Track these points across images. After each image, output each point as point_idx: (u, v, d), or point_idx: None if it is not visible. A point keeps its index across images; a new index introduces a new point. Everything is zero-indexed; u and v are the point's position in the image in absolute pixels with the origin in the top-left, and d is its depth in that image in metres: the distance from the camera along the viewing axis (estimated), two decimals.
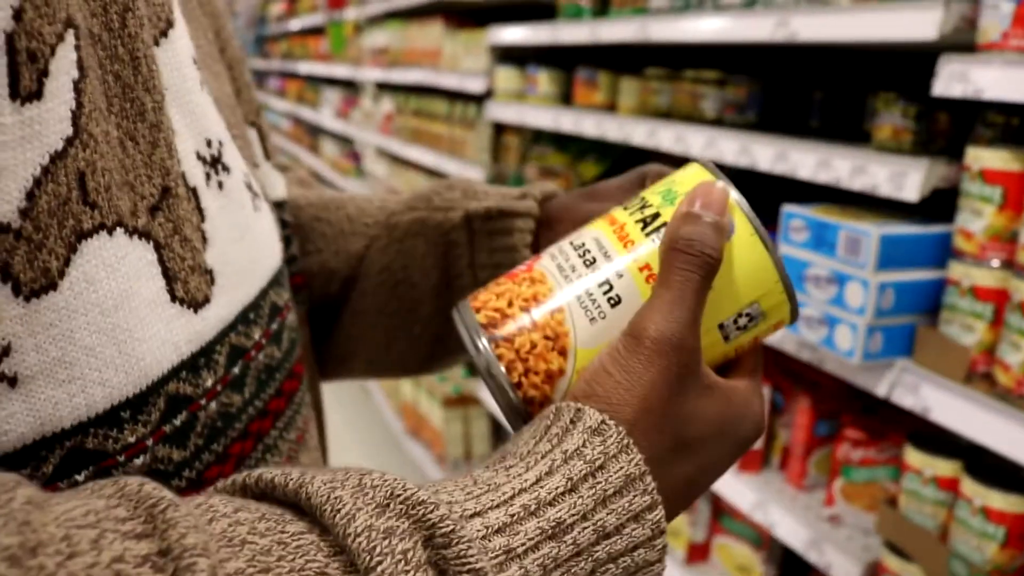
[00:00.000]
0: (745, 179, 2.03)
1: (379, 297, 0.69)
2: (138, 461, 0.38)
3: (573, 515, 0.38)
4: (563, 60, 2.49)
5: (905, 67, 1.64)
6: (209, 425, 0.43)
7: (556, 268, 0.48)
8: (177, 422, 0.40)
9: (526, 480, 0.38)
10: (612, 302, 0.45)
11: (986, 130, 1.27)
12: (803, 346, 1.42)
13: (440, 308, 0.66)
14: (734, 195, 0.47)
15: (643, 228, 0.47)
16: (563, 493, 0.38)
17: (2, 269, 0.32)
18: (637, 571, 0.40)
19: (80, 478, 0.36)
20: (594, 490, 0.39)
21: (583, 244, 0.48)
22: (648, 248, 0.46)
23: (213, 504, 0.33)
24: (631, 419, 0.41)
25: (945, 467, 1.29)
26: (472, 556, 0.33)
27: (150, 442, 0.39)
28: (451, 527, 0.34)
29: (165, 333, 0.39)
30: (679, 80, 1.97)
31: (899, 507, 1.36)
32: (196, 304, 0.42)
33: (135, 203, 0.38)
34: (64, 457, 0.36)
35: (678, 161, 2.24)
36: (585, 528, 0.38)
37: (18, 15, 0.31)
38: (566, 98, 2.46)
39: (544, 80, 2.47)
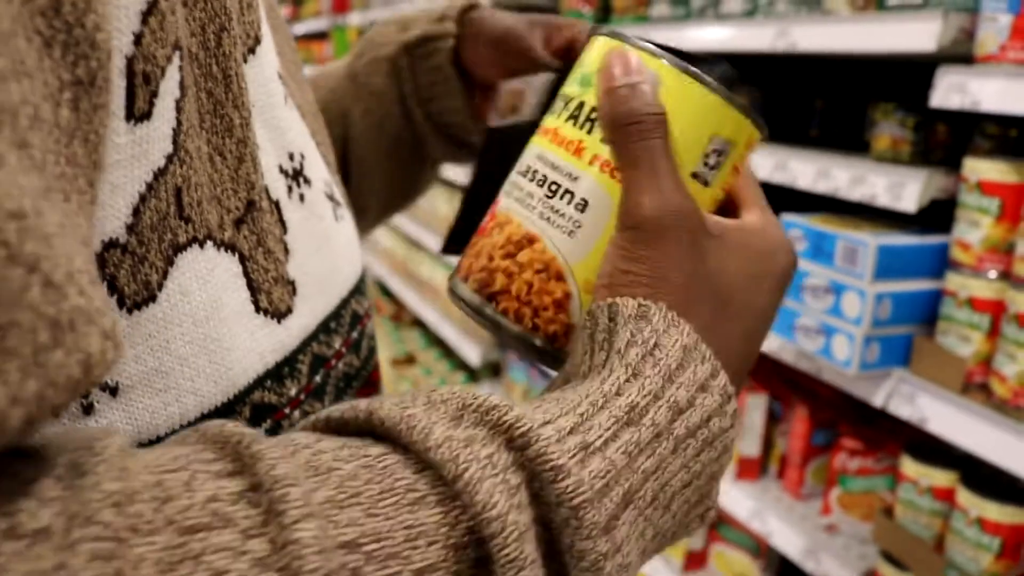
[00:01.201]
0: None
1: (370, 139, 0.75)
2: None
3: (645, 396, 0.37)
4: None
5: (906, 77, 1.65)
6: None
7: (515, 202, 0.47)
8: (262, 431, 0.41)
9: (590, 387, 0.38)
10: (580, 207, 0.44)
11: (984, 141, 1.27)
12: (801, 356, 1.43)
13: (408, 120, 0.73)
14: (646, 46, 0.45)
15: (575, 123, 0.45)
16: (627, 381, 0.38)
17: (109, 282, 0.34)
18: (714, 440, 0.40)
19: None
20: (657, 367, 0.38)
21: (529, 167, 0.47)
22: (589, 140, 0.45)
23: (294, 438, 0.33)
24: (667, 301, 0.40)
25: (941, 477, 1.29)
26: (552, 453, 0.33)
27: None
28: (527, 426, 0.33)
29: (250, 343, 0.40)
30: None
31: (895, 517, 1.36)
32: (279, 314, 0.42)
33: (222, 216, 0.39)
34: None
35: None
36: (660, 407, 0.37)
37: (138, 40, 0.32)
38: None
39: None
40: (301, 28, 6.17)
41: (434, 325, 3.30)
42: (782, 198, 1.80)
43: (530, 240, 0.45)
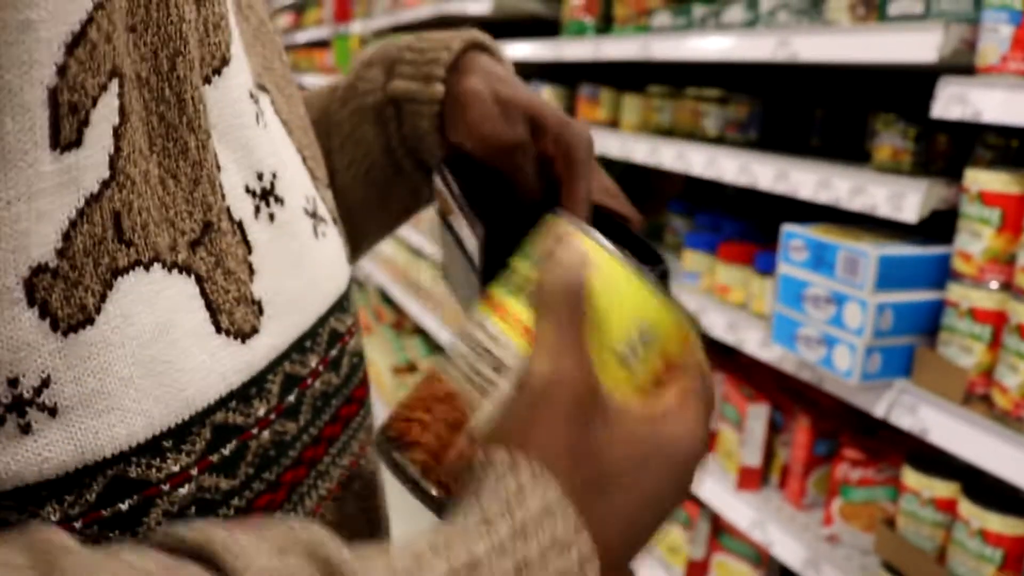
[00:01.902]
0: (746, 198, 2.04)
1: (356, 190, 0.72)
2: (183, 490, 0.39)
3: (489, 551, 0.37)
4: (566, 76, 2.50)
5: (907, 86, 1.65)
6: (261, 454, 0.43)
7: (445, 361, 0.49)
8: (226, 451, 0.41)
9: (439, 532, 0.38)
10: (498, 370, 0.46)
11: (985, 152, 1.27)
12: (802, 366, 1.42)
13: (395, 168, 0.70)
14: (592, 234, 0.47)
15: (514, 295, 0.48)
16: (476, 531, 0.37)
17: (41, 306, 0.34)
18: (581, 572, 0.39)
19: (124, 507, 0.37)
20: (511, 520, 0.37)
21: (468, 332, 0.49)
22: (521, 310, 0.47)
23: (118, 551, 0.33)
24: (540, 460, 0.40)
25: (943, 488, 1.29)
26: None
27: (195, 471, 0.39)
28: (352, 565, 0.33)
29: (211, 363, 0.40)
30: (681, 98, 1.98)
31: (897, 528, 1.36)
32: (243, 335, 0.42)
33: (175, 239, 0.39)
34: (107, 485, 0.36)
35: (678, 181, 2.24)
36: (504, 563, 0.37)
37: (62, 71, 0.33)
38: (569, 114, 2.46)
39: (547, 96, 2.48)
40: (303, 36, 6.19)
41: (435, 333, 3.30)
42: (783, 208, 1.80)
43: (451, 398, 0.47)
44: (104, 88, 0.35)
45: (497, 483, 0.39)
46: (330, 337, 0.51)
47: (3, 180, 0.32)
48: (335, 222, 0.56)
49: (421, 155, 0.69)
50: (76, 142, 0.34)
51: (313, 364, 0.48)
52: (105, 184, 0.35)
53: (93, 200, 0.35)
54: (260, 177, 0.46)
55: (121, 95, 0.36)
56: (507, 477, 0.39)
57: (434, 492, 0.46)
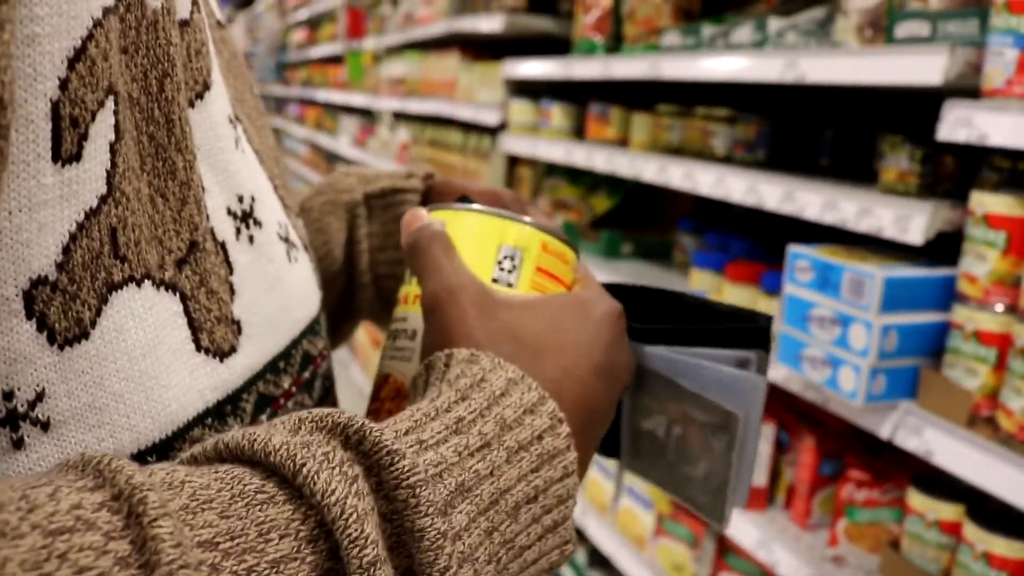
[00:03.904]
0: (756, 217, 2.04)
1: None
2: None
3: (471, 412, 0.41)
4: (576, 94, 2.51)
5: (915, 106, 1.65)
6: None
7: (381, 360, 0.56)
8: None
9: (421, 405, 0.41)
10: (411, 337, 0.54)
11: (991, 174, 1.27)
12: (808, 386, 1.42)
13: (348, 265, 0.75)
14: (436, 206, 0.57)
15: (407, 283, 0.57)
16: (455, 402, 0.41)
17: (39, 319, 0.34)
18: (551, 458, 0.42)
19: None
20: (483, 392, 0.42)
21: (390, 330, 0.57)
22: (413, 287, 0.55)
23: (149, 466, 0.34)
24: (490, 348, 0.46)
25: (948, 511, 1.29)
26: (388, 441, 0.36)
27: None
28: (362, 424, 0.36)
29: (190, 381, 0.41)
30: (690, 117, 1.98)
31: (902, 549, 1.35)
32: (222, 353, 0.43)
33: (163, 257, 0.40)
34: None
35: (687, 199, 2.24)
36: (486, 422, 0.41)
37: (64, 85, 0.34)
38: (579, 132, 2.48)
39: (557, 114, 2.49)
40: (317, 52, 6.23)
41: None
42: (792, 228, 1.80)
43: (386, 379, 0.54)
44: (101, 104, 0.36)
45: (461, 368, 0.44)
46: (303, 359, 0.52)
47: (6, 190, 0.32)
48: (306, 249, 0.57)
49: (380, 255, 0.74)
50: (76, 156, 0.35)
51: (286, 385, 0.49)
52: (103, 199, 0.36)
53: (92, 215, 0.36)
54: (240, 200, 0.47)
55: (116, 112, 0.37)
56: (466, 365, 0.44)
57: None
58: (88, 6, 0.34)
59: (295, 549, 0.33)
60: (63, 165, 0.34)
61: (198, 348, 0.42)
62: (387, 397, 0.53)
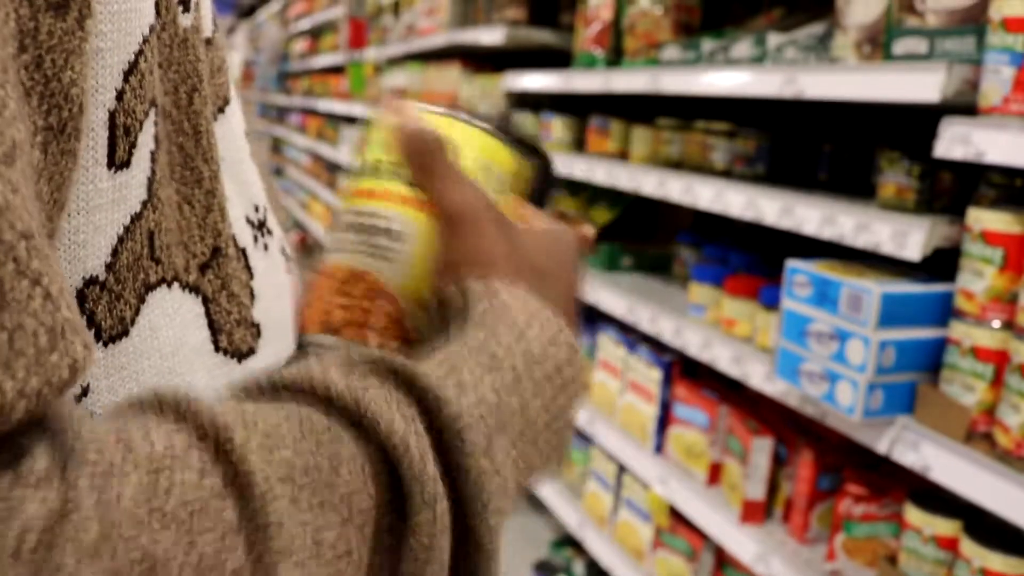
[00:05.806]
0: (756, 230, 2.05)
1: None
2: None
3: (502, 349, 0.45)
4: (577, 107, 2.52)
5: (914, 121, 1.66)
6: None
7: (340, 253, 0.54)
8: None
9: (455, 346, 0.44)
10: (394, 238, 0.53)
11: (989, 190, 1.28)
12: (806, 401, 1.43)
13: None
14: (425, 107, 0.55)
15: (378, 178, 0.54)
16: (486, 338, 0.45)
17: (88, 317, 0.37)
18: (567, 385, 0.47)
19: None
20: (510, 327, 0.46)
21: (349, 223, 0.55)
22: (392, 186, 0.53)
23: (219, 405, 0.36)
24: (503, 277, 0.49)
25: (945, 526, 1.29)
26: (436, 387, 0.40)
27: None
28: (411, 368, 0.40)
29: (208, 380, 0.43)
30: (690, 131, 1.99)
31: (899, 564, 1.35)
32: (240, 355, 0.45)
33: (188, 261, 0.43)
34: None
35: (687, 212, 2.24)
36: (516, 357, 0.45)
37: (120, 95, 0.36)
38: (579, 145, 2.49)
39: (558, 127, 2.50)
40: (319, 62, 6.24)
41: None
42: (791, 242, 1.81)
43: (359, 276, 0.53)
44: (147, 115, 0.38)
45: (484, 302, 0.47)
46: None
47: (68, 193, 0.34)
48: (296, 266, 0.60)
49: None
50: (127, 163, 0.37)
51: None
52: (144, 204, 0.39)
53: (136, 218, 0.38)
54: (256, 209, 0.50)
55: (156, 123, 0.39)
56: (491, 296, 0.47)
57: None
58: (140, 24, 0.37)
59: (362, 482, 0.37)
60: (116, 171, 0.37)
61: (217, 349, 0.44)
62: (362, 295, 0.53)
